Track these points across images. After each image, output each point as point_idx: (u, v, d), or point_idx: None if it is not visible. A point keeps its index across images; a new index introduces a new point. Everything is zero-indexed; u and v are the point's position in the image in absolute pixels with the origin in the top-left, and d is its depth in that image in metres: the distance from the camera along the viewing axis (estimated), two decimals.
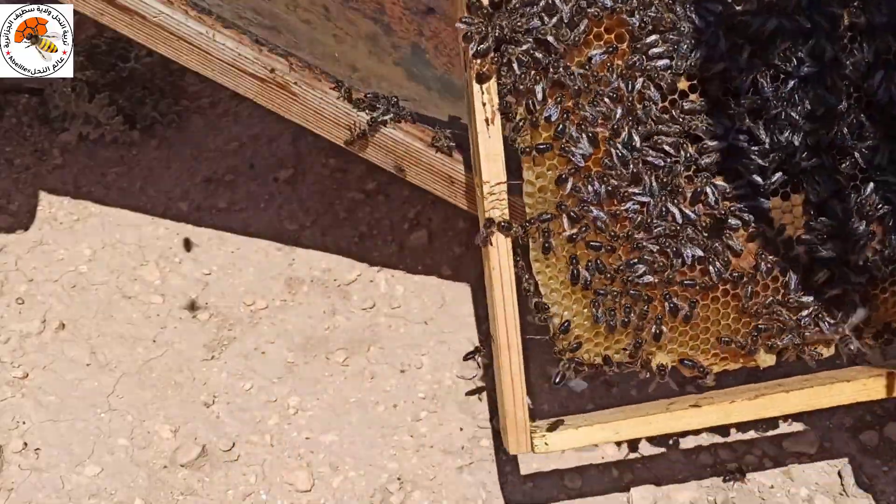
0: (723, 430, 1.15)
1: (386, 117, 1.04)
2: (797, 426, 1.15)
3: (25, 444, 1.11)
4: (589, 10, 0.90)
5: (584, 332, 0.97)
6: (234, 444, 1.13)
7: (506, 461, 1.12)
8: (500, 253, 0.93)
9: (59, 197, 1.39)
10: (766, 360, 1.01)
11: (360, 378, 1.20)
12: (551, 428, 0.96)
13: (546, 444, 0.95)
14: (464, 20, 0.90)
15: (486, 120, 0.91)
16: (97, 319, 1.25)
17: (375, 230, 1.37)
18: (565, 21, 0.90)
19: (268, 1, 1.14)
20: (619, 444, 1.14)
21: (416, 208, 1.39)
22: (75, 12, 1.02)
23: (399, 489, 1.09)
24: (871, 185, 0.96)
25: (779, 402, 0.98)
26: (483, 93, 0.91)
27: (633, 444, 1.14)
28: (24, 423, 1.13)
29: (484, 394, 1.19)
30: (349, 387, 1.19)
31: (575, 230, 0.94)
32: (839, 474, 1.10)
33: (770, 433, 1.15)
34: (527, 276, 0.95)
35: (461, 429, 1.15)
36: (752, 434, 1.15)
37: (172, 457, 1.11)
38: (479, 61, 0.90)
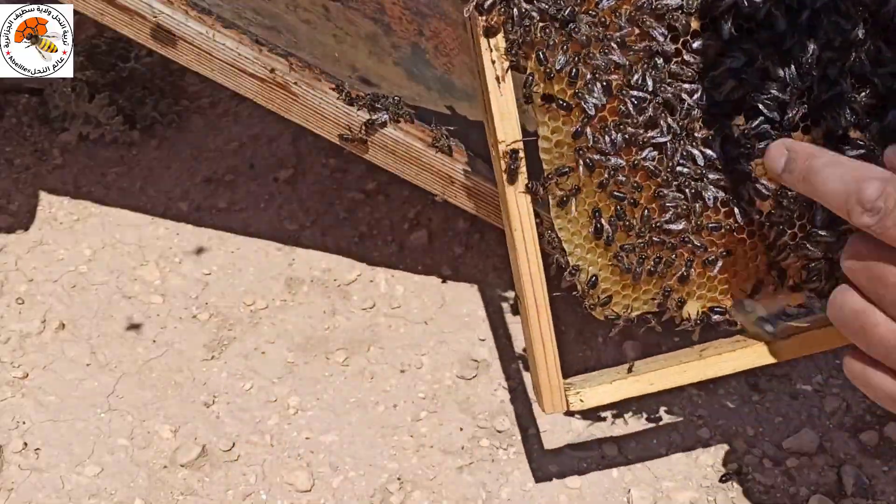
0: (723, 429, 1.15)
1: (384, 117, 1.04)
2: (797, 425, 1.15)
3: (25, 444, 1.11)
4: None
5: (611, 285, 0.96)
6: (234, 444, 1.13)
7: (506, 461, 1.12)
8: (521, 212, 0.91)
9: (59, 197, 1.39)
10: (796, 297, 0.99)
11: (360, 378, 1.20)
12: (584, 384, 0.94)
13: (581, 400, 0.94)
14: None
15: (497, 78, 0.88)
16: (97, 319, 1.25)
17: (375, 230, 1.37)
18: None
19: (268, 1, 1.14)
20: (618, 445, 1.14)
21: (416, 208, 1.39)
22: (75, 12, 1.02)
23: (399, 489, 1.09)
24: (894, 111, 0.93)
25: (813, 340, 0.97)
26: (492, 50, 0.87)
27: (632, 445, 1.14)
28: (24, 423, 1.13)
29: (484, 394, 1.19)
30: (349, 387, 1.19)
31: (605, 177, 0.92)
32: (839, 474, 1.10)
33: (770, 433, 1.15)
34: (549, 233, 0.94)
35: (461, 429, 1.15)
36: (751, 434, 1.15)
37: (172, 457, 1.11)
38: (483, 18, 0.86)
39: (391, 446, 1.13)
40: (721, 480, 1.10)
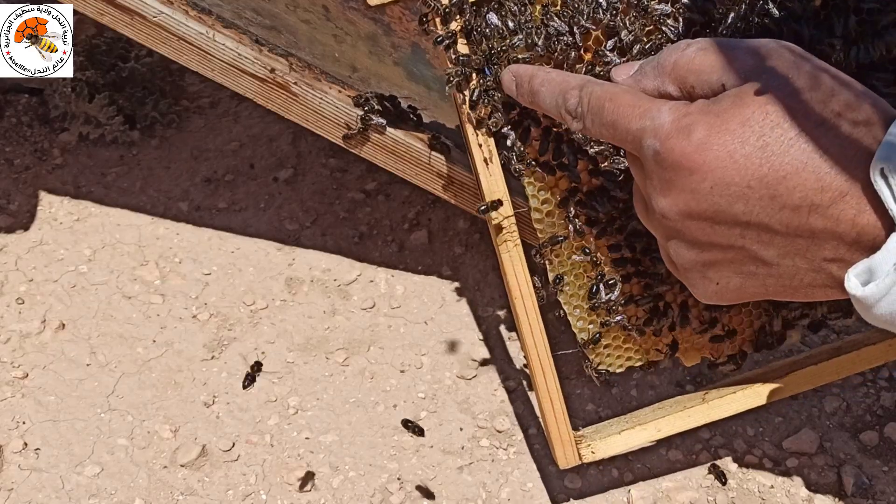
0: (723, 429, 1.15)
1: (383, 120, 1.04)
2: (797, 425, 1.15)
3: (25, 444, 1.11)
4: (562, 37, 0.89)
5: (612, 341, 0.98)
6: (234, 444, 1.13)
7: (506, 461, 1.12)
8: (518, 280, 0.94)
9: (59, 197, 1.39)
10: (792, 336, 1.01)
11: (360, 378, 1.20)
12: (595, 435, 0.98)
13: (592, 452, 0.97)
14: (449, 71, 0.90)
15: (485, 160, 0.92)
16: (97, 319, 1.25)
17: (375, 230, 1.37)
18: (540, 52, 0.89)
19: (268, 1, 1.14)
20: None
21: (416, 208, 1.39)
22: (75, 12, 1.02)
23: (399, 489, 1.09)
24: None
25: (812, 375, 0.99)
26: (477, 135, 0.92)
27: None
28: (24, 423, 1.13)
29: (484, 394, 1.19)
30: (349, 387, 1.19)
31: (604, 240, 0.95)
32: (839, 474, 1.10)
33: (770, 433, 1.15)
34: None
35: (461, 429, 1.15)
36: (752, 434, 1.15)
37: (172, 457, 1.11)
38: (474, 112, 0.91)
39: (391, 446, 1.13)
40: (721, 481, 1.10)
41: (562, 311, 0.97)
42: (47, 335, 1.23)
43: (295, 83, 1.03)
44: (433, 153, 1.06)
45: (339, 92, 1.04)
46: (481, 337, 1.25)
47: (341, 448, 1.13)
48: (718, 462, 1.11)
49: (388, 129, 1.04)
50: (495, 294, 1.29)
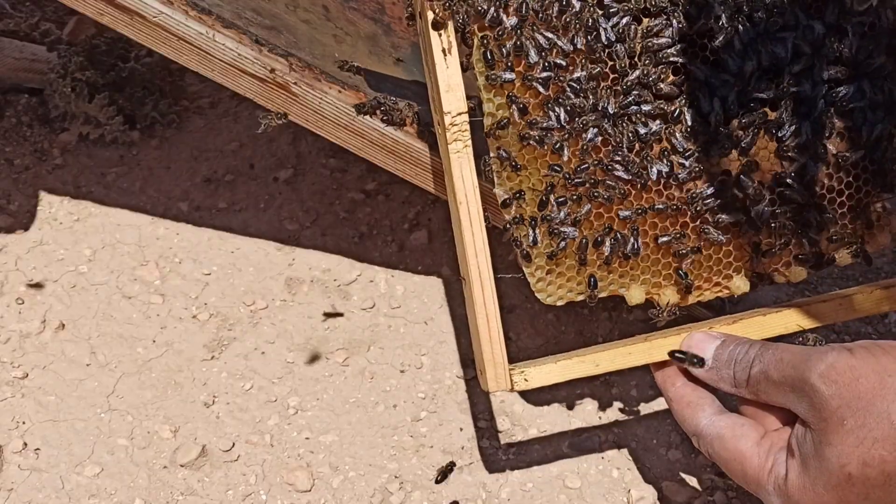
0: None
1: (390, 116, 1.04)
2: None
3: (25, 444, 1.11)
4: None
5: (556, 267, 0.96)
6: (233, 444, 1.13)
7: (506, 461, 1.12)
8: (465, 186, 0.91)
9: (59, 197, 1.39)
10: (739, 286, 1.00)
11: (360, 378, 1.20)
12: (531, 364, 0.94)
13: (525, 379, 0.92)
14: None
15: (444, 50, 0.89)
16: (97, 319, 1.25)
17: (375, 230, 1.37)
18: None
19: (268, 1, 1.14)
20: (618, 446, 1.14)
21: (416, 208, 1.39)
22: (75, 12, 1.02)
23: (399, 489, 1.09)
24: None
25: (756, 326, 0.97)
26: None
27: (632, 445, 1.14)
28: (24, 423, 1.13)
29: (484, 394, 1.19)
30: (349, 387, 1.19)
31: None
32: None
33: None
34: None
35: (461, 429, 1.15)
36: None
37: (172, 457, 1.11)
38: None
39: (391, 446, 1.13)
40: (720, 479, 1.10)
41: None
42: (47, 335, 1.23)
43: (295, 83, 1.03)
44: (433, 153, 1.06)
45: (339, 92, 1.04)
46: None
47: (341, 448, 1.13)
48: None
49: (388, 129, 1.04)
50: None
